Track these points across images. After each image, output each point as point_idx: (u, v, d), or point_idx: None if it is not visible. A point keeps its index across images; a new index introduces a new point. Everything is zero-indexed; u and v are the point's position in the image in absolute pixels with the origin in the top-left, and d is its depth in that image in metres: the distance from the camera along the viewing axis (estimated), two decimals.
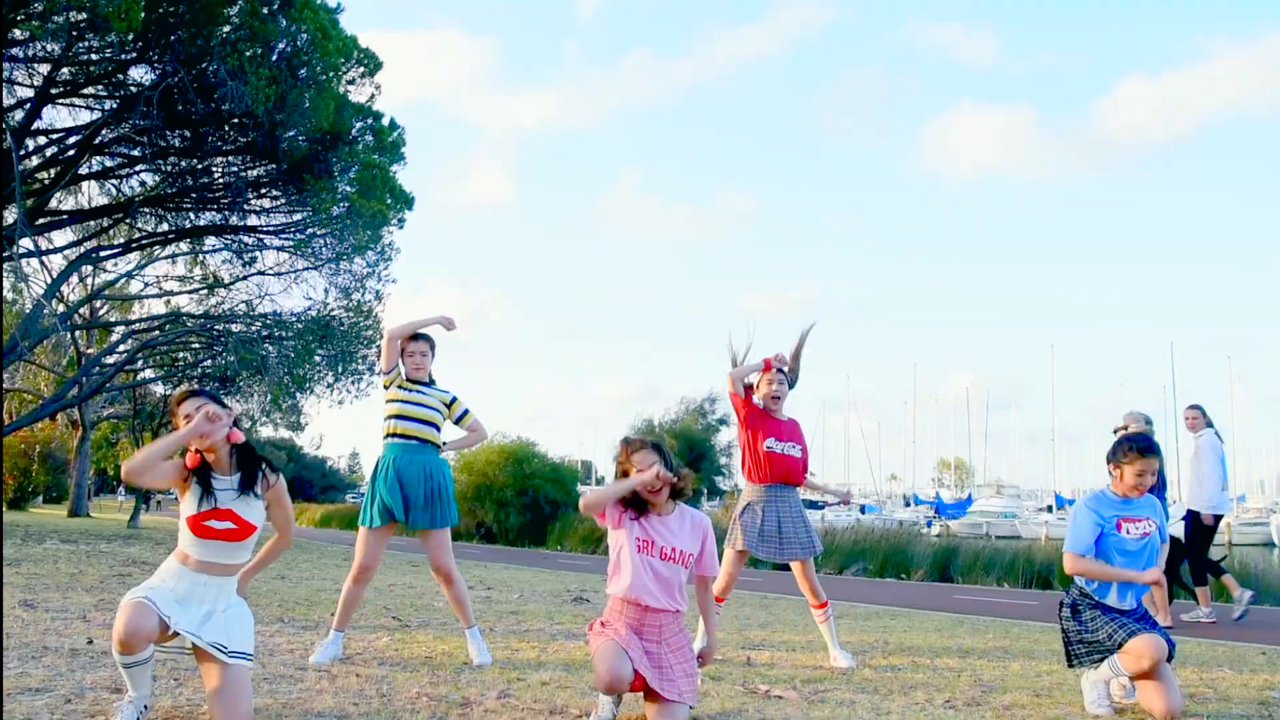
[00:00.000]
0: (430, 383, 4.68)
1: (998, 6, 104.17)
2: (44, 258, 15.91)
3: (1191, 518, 7.63)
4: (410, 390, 4.58)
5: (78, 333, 20.97)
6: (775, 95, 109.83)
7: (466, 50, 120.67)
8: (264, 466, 3.19)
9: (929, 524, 37.47)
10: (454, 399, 4.70)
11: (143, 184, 16.05)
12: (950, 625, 6.93)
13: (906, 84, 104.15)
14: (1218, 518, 7.56)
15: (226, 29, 12.82)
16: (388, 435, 4.56)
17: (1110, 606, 3.74)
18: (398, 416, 4.53)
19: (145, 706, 3.04)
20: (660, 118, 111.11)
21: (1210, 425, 7.84)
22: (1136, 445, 3.70)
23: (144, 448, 3.05)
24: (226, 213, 16.27)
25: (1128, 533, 3.69)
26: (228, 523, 3.03)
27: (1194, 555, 7.66)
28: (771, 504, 4.78)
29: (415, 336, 4.66)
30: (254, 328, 16.79)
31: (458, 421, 4.72)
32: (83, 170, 15.22)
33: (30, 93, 13.50)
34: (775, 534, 4.74)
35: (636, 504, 3.30)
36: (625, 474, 3.32)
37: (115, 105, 13.93)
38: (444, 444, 4.69)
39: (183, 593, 2.99)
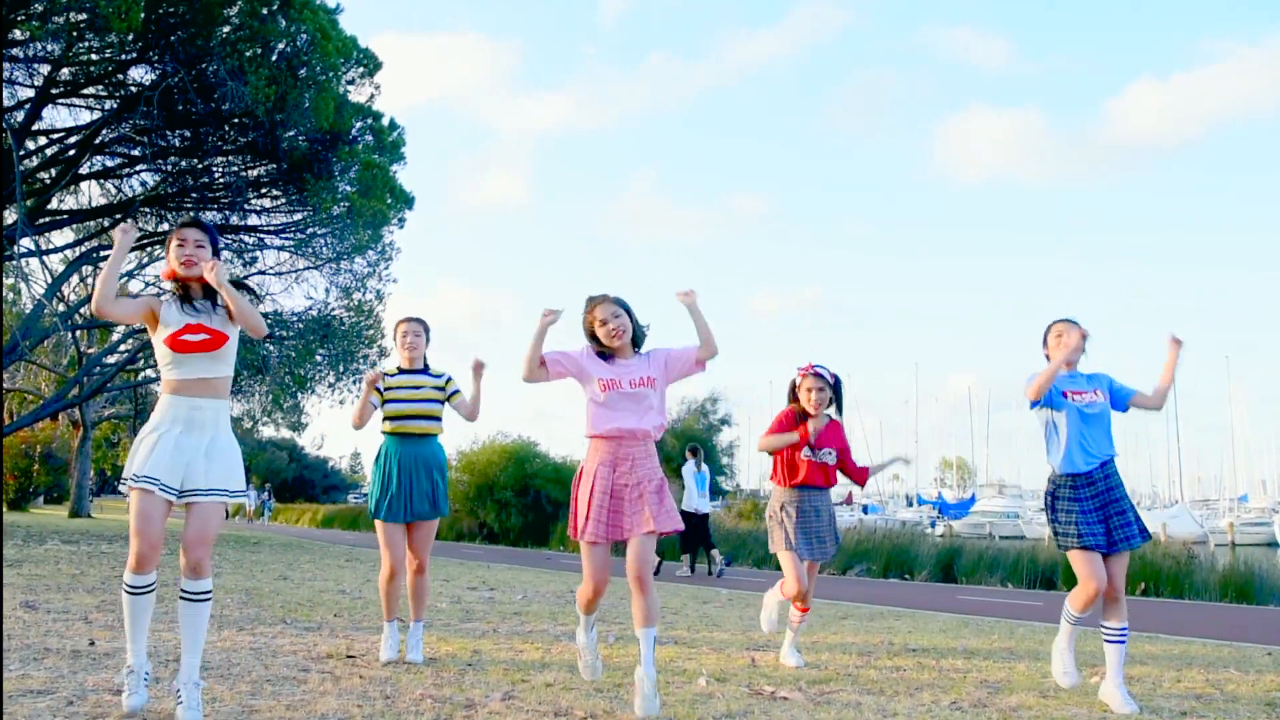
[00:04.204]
0: (425, 368, 4.58)
1: (1009, 10, 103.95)
2: (44, 258, 15.90)
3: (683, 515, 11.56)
4: (404, 388, 4.48)
5: (78, 332, 20.94)
6: (788, 97, 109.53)
7: (486, 53, 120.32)
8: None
9: (932, 524, 37.37)
10: (448, 379, 4.60)
11: (143, 184, 16.03)
12: (955, 626, 6.91)
13: (918, 86, 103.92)
14: (699, 513, 12.03)
15: (226, 29, 12.80)
16: (385, 431, 4.52)
17: (1080, 480, 3.99)
18: (393, 417, 4.47)
19: (147, 674, 3.19)
20: (675, 120, 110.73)
21: (696, 457, 12.24)
22: (1055, 319, 4.21)
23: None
24: (227, 212, 16.24)
25: (1075, 400, 4.06)
26: (201, 335, 3.25)
27: (693, 534, 11.93)
28: (806, 504, 4.73)
29: (408, 319, 4.58)
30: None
31: (450, 399, 4.58)
32: (83, 170, 15.20)
33: (30, 93, 13.49)
34: (811, 533, 4.72)
35: (603, 353, 3.62)
36: (591, 331, 3.62)
37: (115, 105, 13.91)
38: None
39: (180, 427, 3.18)
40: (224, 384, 3.30)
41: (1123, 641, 3.92)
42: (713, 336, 3.64)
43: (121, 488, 3.14)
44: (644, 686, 3.31)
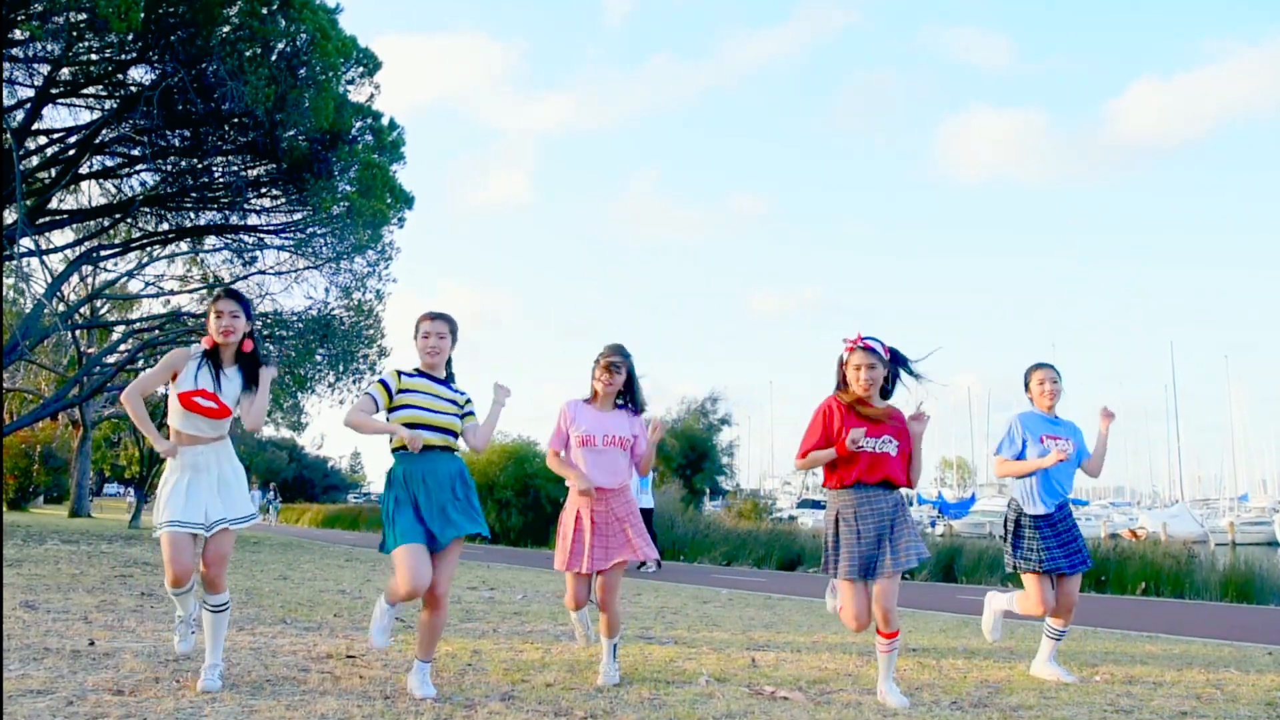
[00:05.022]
0: (449, 379, 3.86)
1: (1010, 11, 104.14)
2: (44, 257, 15.89)
3: None
4: (424, 393, 3.73)
5: (78, 332, 20.93)
6: (789, 97, 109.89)
7: (489, 54, 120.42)
8: (259, 367, 3.86)
9: (932, 524, 37.35)
10: (468, 399, 3.87)
11: (143, 184, 16.02)
12: (955, 626, 6.91)
13: (919, 86, 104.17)
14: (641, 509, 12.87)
15: (226, 29, 12.80)
16: (396, 449, 3.72)
17: (1041, 519, 4.53)
18: (411, 425, 3.66)
19: (195, 618, 3.88)
20: (676, 120, 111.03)
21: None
22: (1034, 364, 4.72)
23: (139, 383, 3.86)
24: (226, 212, 16.24)
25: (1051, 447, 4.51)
26: (210, 403, 3.70)
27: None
28: (866, 510, 3.86)
29: (433, 316, 3.82)
30: (254, 327, 16.74)
31: (463, 419, 3.82)
32: (83, 170, 15.19)
33: (30, 93, 13.48)
34: (874, 551, 3.85)
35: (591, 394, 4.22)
36: (593, 371, 4.19)
37: (115, 105, 13.91)
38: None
39: (189, 471, 3.68)
40: (221, 439, 3.81)
41: (1060, 638, 4.64)
42: (648, 463, 4.25)
43: (155, 534, 3.70)
44: (603, 670, 4.08)
